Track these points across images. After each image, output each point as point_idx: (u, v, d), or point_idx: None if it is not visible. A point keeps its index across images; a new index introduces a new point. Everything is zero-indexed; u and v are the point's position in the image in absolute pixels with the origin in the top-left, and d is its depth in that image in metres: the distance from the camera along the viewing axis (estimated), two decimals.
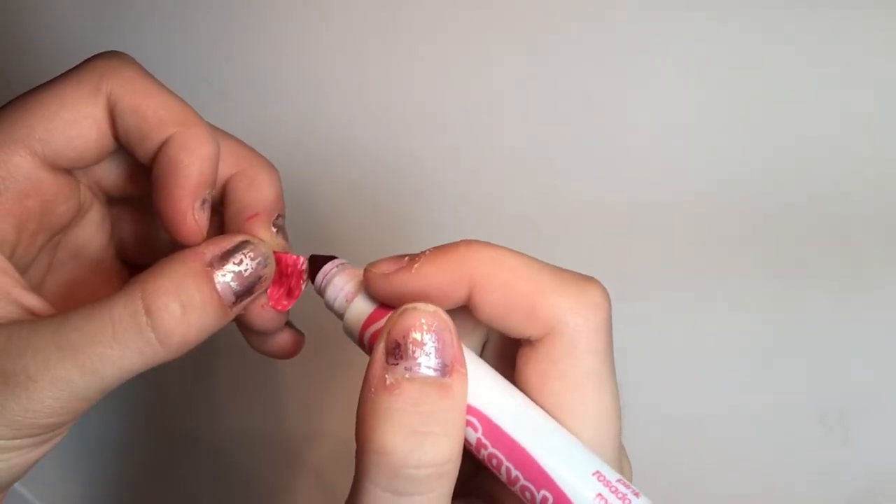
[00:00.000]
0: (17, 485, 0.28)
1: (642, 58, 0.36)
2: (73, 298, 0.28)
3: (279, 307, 0.26)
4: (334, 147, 0.43)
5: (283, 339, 0.28)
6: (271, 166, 0.28)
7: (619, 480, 0.20)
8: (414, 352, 0.20)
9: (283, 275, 0.26)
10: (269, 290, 0.26)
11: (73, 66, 0.25)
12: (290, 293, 0.26)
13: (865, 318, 0.35)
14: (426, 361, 0.20)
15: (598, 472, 0.20)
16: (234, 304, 0.24)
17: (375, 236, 0.42)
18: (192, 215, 0.24)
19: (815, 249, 0.35)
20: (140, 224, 0.30)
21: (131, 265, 0.30)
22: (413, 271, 0.22)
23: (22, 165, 0.24)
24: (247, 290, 0.25)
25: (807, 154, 0.35)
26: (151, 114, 0.24)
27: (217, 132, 0.27)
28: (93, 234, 0.29)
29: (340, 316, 0.24)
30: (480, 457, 0.21)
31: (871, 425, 0.36)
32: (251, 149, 0.28)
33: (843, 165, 0.34)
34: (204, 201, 0.24)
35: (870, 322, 0.35)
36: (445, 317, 0.21)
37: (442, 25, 0.39)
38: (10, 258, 0.25)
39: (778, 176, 0.35)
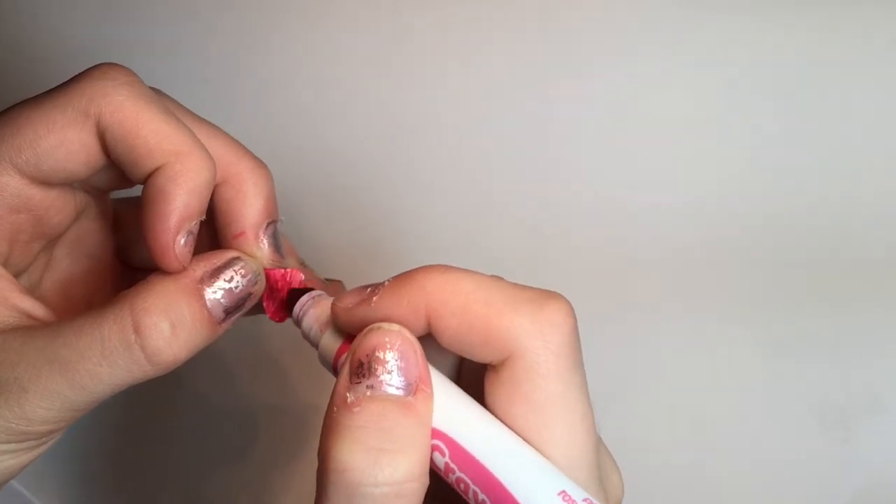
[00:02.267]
0: (12, 481, 0.28)
1: (643, 66, 0.36)
2: (72, 296, 0.28)
3: (276, 319, 0.26)
4: (335, 148, 0.43)
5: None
6: (260, 168, 0.27)
7: (584, 500, 0.20)
8: (376, 370, 0.20)
9: (274, 289, 0.26)
10: (265, 304, 0.26)
11: (67, 73, 0.25)
12: (283, 306, 0.26)
13: (865, 319, 0.35)
14: (389, 380, 0.20)
15: (563, 491, 0.19)
16: (224, 320, 0.24)
17: (373, 237, 0.42)
18: (173, 250, 0.23)
19: (815, 250, 0.35)
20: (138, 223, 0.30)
21: (132, 268, 0.30)
22: (372, 304, 0.22)
23: (10, 184, 0.24)
24: (236, 306, 0.24)
25: (804, 158, 0.35)
26: (141, 143, 0.23)
27: (208, 130, 0.26)
28: (90, 229, 0.28)
29: (316, 346, 0.25)
30: (449, 481, 0.21)
31: (871, 425, 0.36)
32: (240, 149, 0.27)
33: (843, 169, 0.34)
34: (189, 233, 0.24)
35: (870, 322, 0.35)
36: (410, 336, 0.21)
37: (442, 26, 0.39)
38: (5, 265, 0.25)
39: (778, 181, 0.35)
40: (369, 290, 0.22)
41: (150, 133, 0.23)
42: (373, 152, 0.42)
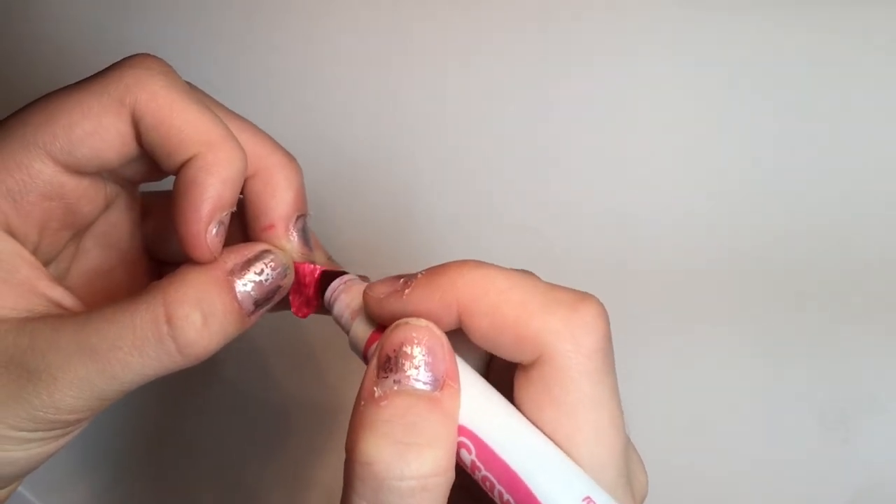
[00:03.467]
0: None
1: (643, 66, 0.36)
2: (99, 288, 0.28)
3: (300, 314, 0.27)
4: (335, 148, 0.43)
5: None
6: (290, 162, 0.27)
7: None
8: (404, 365, 0.20)
9: (301, 284, 0.26)
10: (290, 298, 0.26)
11: (69, 75, 0.25)
12: (308, 302, 0.26)
13: (865, 319, 0.35)
14: (416, 374, 0.20)
15: (588, 497, 0.19)
16: (253, 312, 0.24)
17: (372, 236, 0.43)
18: (204, 239, 0.24)
19: (815, 250, 0.35)
20: (167, 216, 0.30)
21: (159, 261, 0.30)
22: (404, 297, 0.22)
23: (43, 171, 0.24)
24: (266, 298, 0.25)
25: (804, 159, 0.35)
26: (175, 133, 0.24)
27: (240, 124, 0.26)
28: (119, 221, 0.28)
29: (347, 332, 0.25)
30: (476, 478, 0.21)
31: (871, 425, 0.36)
32: (271, 143, 0.27)
33: (843, 170, 0.34)
34: (220, 223, 0.24)
35: (870, 322, 0.35)
36: (438, 332, 0.21)
37: (442, 27, 0.39)
38: (34, 253, 0.25)
39: (777, 182, 0.35)
40: (402, 280, 0.22)
41: (184, 123, 0.24)
42: (372, 152, 0.42)
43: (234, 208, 0.25)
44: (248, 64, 0.44)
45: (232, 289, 0.24)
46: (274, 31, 0.43)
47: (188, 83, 0.25)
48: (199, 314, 0.23)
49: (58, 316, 0.24)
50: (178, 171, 0.24)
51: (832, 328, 0.36)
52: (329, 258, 0.29)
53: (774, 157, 0.35)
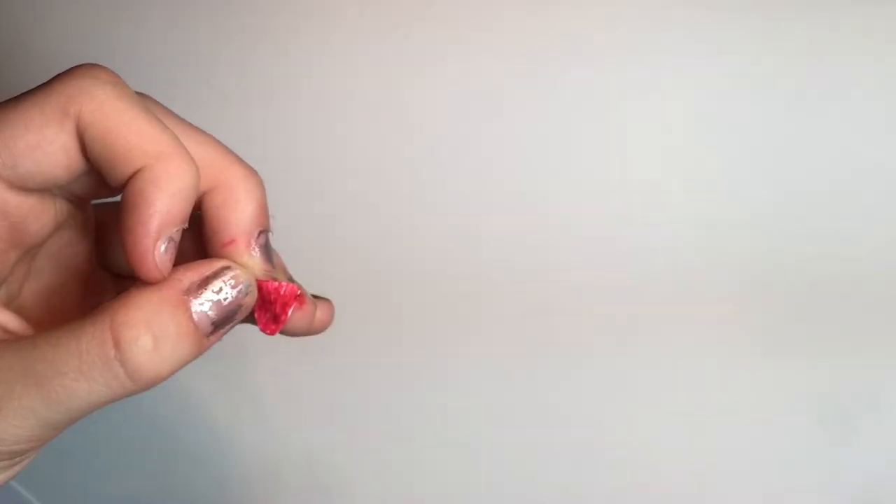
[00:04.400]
0: (12, 482, 0.28)
1: (643, 66, 0.36)
2: (55, 308, 0.27)
3: (268, 331, 0.26)
4: (334, 147, 0.43)
5: (320, 317, 0.27)
6: (251, 175, 0.26)
7: None
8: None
9: (266, 301, 0.25)
10: (256, 315, 0.25)
11: (50, 76, 0.24)
12: (276, 319, 0.25)
13: (865, 319, 0.35)
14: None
15: None
16: (212, 333, 0.23)
17: (372, 236, 0.43)
18: (153, 257, 0.22)
19: (815, 249, 0.35)
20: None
21: (119, 276, 0.29)
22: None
23: None
24: (226, 319, 0.23)
25: (804, 158, 0.35)
26: (122, 143, 0.22)
27: (197, 136, 0.25)
28: (72, 239, 0.27)
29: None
30: None
31: (871, 425, 0.36)
32: (230, 155, 0.26)
33: (843, 169, 0.34)
34: (170, 240, 0.23)
35: (870, 322, 0.35)
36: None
37: (442, 26, 0.39)
38: None
39: (777, 181, 0.35)
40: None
41: (130, 133, 0.22)
42: (372, 152, 0.42)
43: (186, 224, 0.23)
44: (248, 64, 0.44)
45: (187, 309, 0.22)
46: (276, 31, 0.43)
47: (139, 93, 0.24)
48: (150, 337, 0.22)
49: (1, 342, 0.22)
50: (125, 185, 0.23)
51: (832, 328, 0.36)
52: (290, 279, 0.28)
53: (774, 156, 0.35)
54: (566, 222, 0.39)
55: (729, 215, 0.36)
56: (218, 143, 0.26)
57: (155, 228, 0.22)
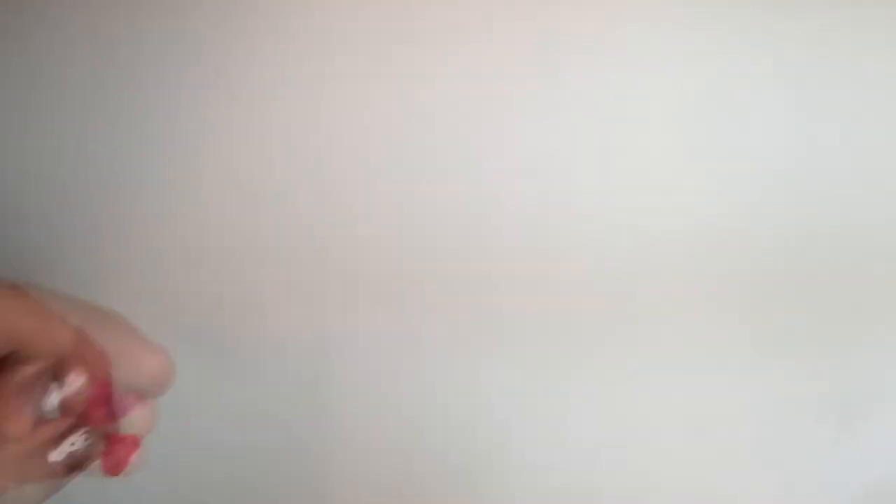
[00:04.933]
0: None
1: (643, 65, 0.36)
2: None
3: (112, 474, 0.28)
4: (334, 147, 0.43)
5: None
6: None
7: None
8: None
9: (111, 449, 0.28)
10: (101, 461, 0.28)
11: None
12: (117, 465, 0.28)
13: (865, 318, 0.35)
14: None
15: None
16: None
17: (372, 236, 0.42)
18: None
19: (815, 249, 0.35)
20: None
21: None
22: None
23: None
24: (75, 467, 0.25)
25: (805, 158, 0.35)
26: None
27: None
28: None
29: None
30: None
31: (871, 425, 0.36)
32: (82, 339, 0.26)
33: (844, 169, 0.34)
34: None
35: (870, 322, 0.35)
36: None
37: (442, 26, 0.39)
38: None
39: (778, 180, 0.35)
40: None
41: None
42: (371, 152, 0.42)
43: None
44: (248, 64, 0.44)
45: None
46: (274, 32, 0.43)
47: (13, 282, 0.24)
48: None
49: None
50: None
51: (832, 328, 0.36)
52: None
53: (774, 155, 0.35)
54: (566, 222, 0.39)
55: (731, 215, 0.36)
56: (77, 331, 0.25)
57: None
